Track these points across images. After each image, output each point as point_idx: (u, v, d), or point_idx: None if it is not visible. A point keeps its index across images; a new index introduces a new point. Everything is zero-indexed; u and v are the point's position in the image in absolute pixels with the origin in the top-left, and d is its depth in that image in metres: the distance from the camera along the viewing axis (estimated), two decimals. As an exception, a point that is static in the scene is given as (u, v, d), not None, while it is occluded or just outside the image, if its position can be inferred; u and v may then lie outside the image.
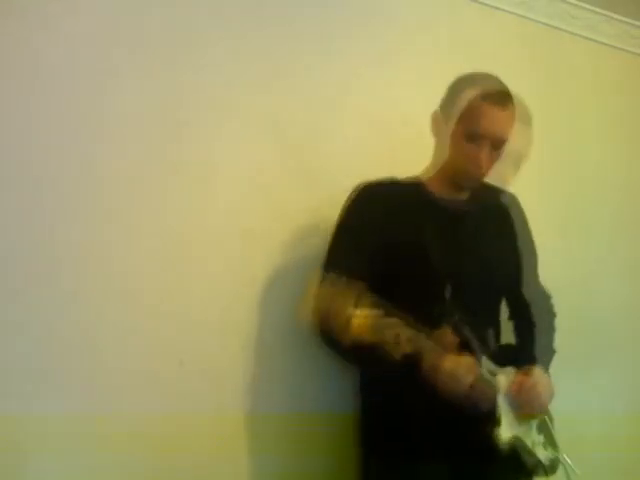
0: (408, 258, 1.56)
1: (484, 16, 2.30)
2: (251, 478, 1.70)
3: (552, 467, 1.56)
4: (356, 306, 1.32)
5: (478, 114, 1.54)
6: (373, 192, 1.62)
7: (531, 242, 1.79)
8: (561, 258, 2.29)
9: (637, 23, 2.62)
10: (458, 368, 1.41)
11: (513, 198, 1.78)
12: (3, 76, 1.52)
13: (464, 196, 1.66)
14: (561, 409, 2.01)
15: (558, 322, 1.80)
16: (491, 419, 1.45)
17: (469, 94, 1.56)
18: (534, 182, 2.31)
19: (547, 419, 1.59)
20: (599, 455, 2.18)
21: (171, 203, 1.69)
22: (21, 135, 1.54)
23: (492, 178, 1.65)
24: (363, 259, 1.52)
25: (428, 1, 2.19)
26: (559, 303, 2.22)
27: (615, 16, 2.56)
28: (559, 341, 1.97)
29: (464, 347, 1.47)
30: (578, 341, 2.28)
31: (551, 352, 1.70)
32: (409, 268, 1.56)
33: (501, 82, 1.59)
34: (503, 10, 2.34)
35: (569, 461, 1.58)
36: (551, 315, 1.79)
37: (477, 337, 1.51)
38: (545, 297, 1.80)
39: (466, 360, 1.44)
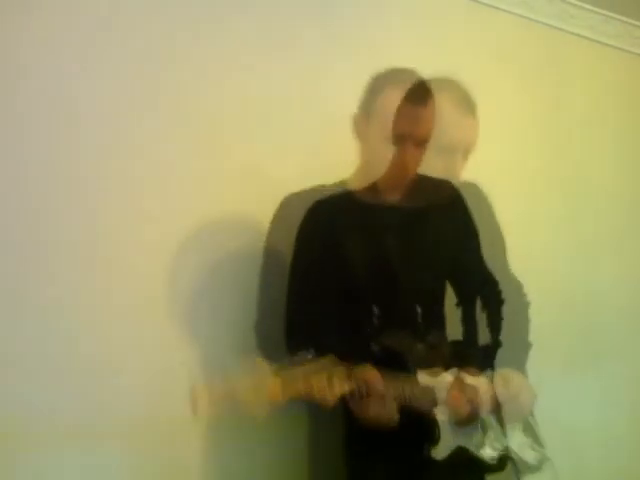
0: (338, 276, 1.53)
1: (484, 16, 2.30)
2: (253, 477, 1.71)
3: (539, 465, 1.53)
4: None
5: (398, 115, 1.48)
6: (306, 222, 1.57)
7: (497, 230, 1.73)
8: (562, 261, 2.29)
9: (637, 23, 2.63)
10: (381, 411, 1.37)
11: (473, 187, 1.71)
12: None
13: (395, 197, 1.59)
14: (561, 412, 2.02)
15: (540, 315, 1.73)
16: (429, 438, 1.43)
17: (387, 93, 1.51)
18: (533, 183, 2.31)
19: (530, 419, 1.56)
20: (599, 456, 2.18)
21: (170, 203, 1.69)
22: (14, 135, 1.54)
23: (441, 171, 1.61)
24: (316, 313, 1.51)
25: (428, 1, 2.19)
26: (560, 307, 2.22)
27: (615, 16, 2.57)
28: (560, 343, 1.96)
29: (395, 363, 1.44)
30: (579, 345, 2.28)
31: (497, 344, 1.62)
32: (341, 285, 1.53)
33: (419, 77, 1.53)
34: (503, 10, 2.35)
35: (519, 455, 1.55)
36: (499, 303, 1.68)
37: (412, 348, 1.48)
38: (517, 286, 1.73)
39: (386, 402, 1.38)
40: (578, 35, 2.52)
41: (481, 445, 1.49)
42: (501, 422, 1.55)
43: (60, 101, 1.60)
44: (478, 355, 1.58)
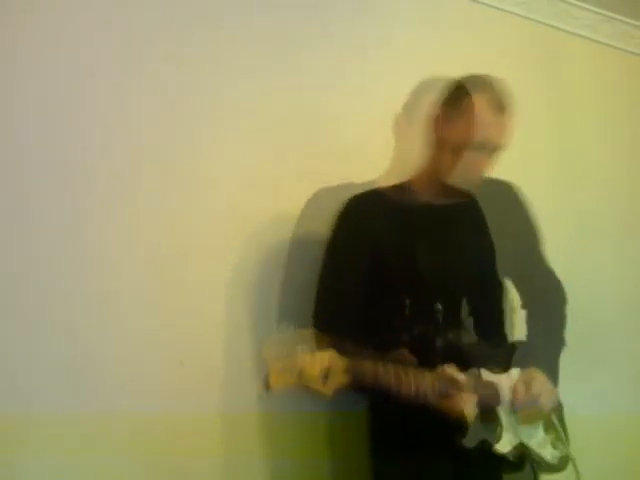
0: (398, 270, 1.57)
1: (484, 16, 2.30)
2: (252, 477, 1.70)
3: (560, 464, 1.55)
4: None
5: (484, 124, 1.52)
6: (356, 207, 1.63)
7: (532, 227, 1.75)
8: (562, 257, 2.28)
9: (637, 23, 2.63)
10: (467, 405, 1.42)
11: (508, 186, 1.75)
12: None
13: (453, 199, 1.64)
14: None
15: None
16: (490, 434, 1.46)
17: (473, 101, 1.53)
18: (534, 182, 2.31)
19: (553, 417, 1.58)
20: (600, 456, 2.18)
21: (170, 203, 1.69)
22: (15, 137, 1.54)
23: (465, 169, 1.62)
24: (349, 302, 1.56)
25: (429, 1, 2.20)
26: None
27: (615, 16, 2.57)
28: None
29: (459, 360, 1.48)
30: (579, 341, 2.28)
31: (560, 343, 1.66)
32: (400, 280, 1.57)
33: (501, 86, 1.57)
34: (503, 10, 2.35)
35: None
36: (561, 302, 1.73)
37: (475, 346, 1.52)
38: (554, 282, 1.75)
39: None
40: (578, 35, 2.52)
41: (542, 444, 1.53)
42: (560, 419, 1.59)
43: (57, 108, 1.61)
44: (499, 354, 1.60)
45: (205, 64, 1.79)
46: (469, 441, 1.44)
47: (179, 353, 1.64)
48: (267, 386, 1.29)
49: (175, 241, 1.68)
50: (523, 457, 1.50)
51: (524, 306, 1.74)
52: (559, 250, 2.28)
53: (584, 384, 2.24)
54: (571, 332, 2.21)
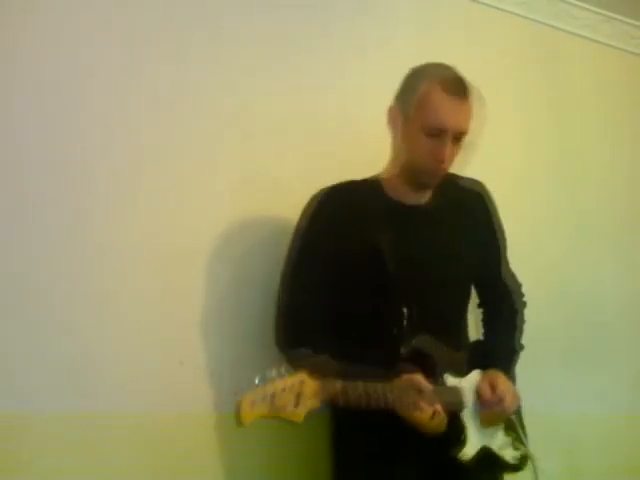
0: (366, 272, 1.53)
1: (484, 16, 2.30)
2: (252, 477, 1.70)
3: (520, 464, 1.54)
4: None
5: (438, 108, 1.48)
6: (325, 206, 1.58)
7: (499, 231, 1.72)
8: (562, 259, 2.29)
9: (637, 23, 2.63)
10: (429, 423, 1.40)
11: (477, 189, 1.71)
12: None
13: (425, 197, 1.61)
14: (561, 410, 2.02)
15: (529, 314, 1.71)
16: (455, 440, 1.45)
17: (426, 87, 1.50)
18: (533, 180, 2.32)
19: (513, 417, 1.57)
20: (600, 456, 2.18)
21: (170, 203, 1.69)
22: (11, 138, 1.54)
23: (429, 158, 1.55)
24: (317, 309, 1.53)
25: (429, 1, 2.20)
26: (560, 304, 2.22)
27: (615, 16, 2.57)
28: (561, 341, 1.95)
29: (424, 366, 1.46)
30: (579, 342, 2.29)
31: (519, 347, 1.64)
32: (367, 282, 1.53)
33: (457, 72, 1.53)
34: (503, 10, 2.35)
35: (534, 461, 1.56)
36: (520, 307, 1.70)
37: (439, 351, 1.50)
38: (515, 288, 1.72)
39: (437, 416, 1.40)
40: (578, 35, 2.52)
41: (502, 446, 1.52)
42: (518, 418, 1.59)
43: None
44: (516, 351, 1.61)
45: (205, 64, 1.79)
46: (469, 451, 1.43)
47: (179, 353, 1.64)
48: (238, 421, 1.22)
49: (175, 241, 1.68)
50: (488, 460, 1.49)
51: (480, 305, 1.72)
52: (559, 250, 2.29)
53: (584, 384, 2.24)
54: (571, 332, 2.22)
